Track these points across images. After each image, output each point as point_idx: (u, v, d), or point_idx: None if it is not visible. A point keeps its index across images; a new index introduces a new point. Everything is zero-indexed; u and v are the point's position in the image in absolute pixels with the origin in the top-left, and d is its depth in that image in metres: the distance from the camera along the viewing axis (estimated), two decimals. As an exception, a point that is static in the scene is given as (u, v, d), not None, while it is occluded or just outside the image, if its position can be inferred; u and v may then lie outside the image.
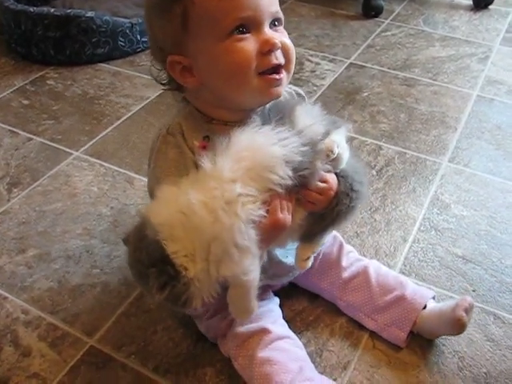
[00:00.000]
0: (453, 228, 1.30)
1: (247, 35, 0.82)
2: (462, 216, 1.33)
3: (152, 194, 0.91)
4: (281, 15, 0.87)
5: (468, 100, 1.76)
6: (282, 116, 0.85)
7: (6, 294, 1.14)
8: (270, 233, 0.82)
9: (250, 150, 0.80)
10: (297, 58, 1.91)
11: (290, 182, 0.81)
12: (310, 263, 0.96)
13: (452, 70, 1.91)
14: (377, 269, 1.11)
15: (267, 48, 0.82)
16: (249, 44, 0.82)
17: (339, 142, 0.86)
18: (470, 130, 1.62)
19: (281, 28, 0.87)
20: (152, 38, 0.90)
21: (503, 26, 2.22)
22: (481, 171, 1.47)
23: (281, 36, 0.85)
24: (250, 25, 0.82)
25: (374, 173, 1.45)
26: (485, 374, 1.02)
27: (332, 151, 0.84)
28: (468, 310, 0.98)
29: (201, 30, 0.83)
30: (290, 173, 0.80)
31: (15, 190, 1.40)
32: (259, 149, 0.80)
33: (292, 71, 0.89)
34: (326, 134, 0.86)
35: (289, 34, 1.98)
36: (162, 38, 0.87)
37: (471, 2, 2.38)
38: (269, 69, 0.84)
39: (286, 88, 0.99)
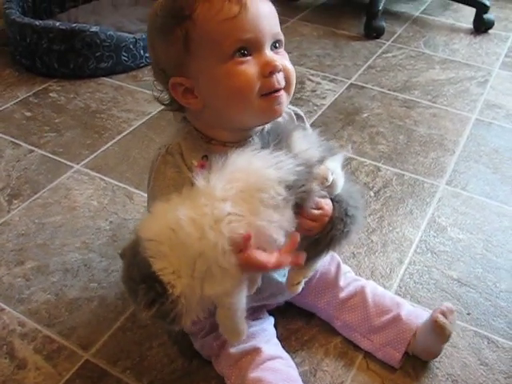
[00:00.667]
0: (449, 251, 1.31)
1: (248, 58, 0.83)
2: (458, 239, 1.34)
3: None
4: (281, 37, 0.88)
5: (466, 123, 1.78)
6: (279, 140, 0.86)
7: (3, 306, 1.14)
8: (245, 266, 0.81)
9: (245, 172, 0.81)
10: (298, 78, 1.93)
11: (283, 202, 0.81)
12: (300, 288, 0.96)
13: (451, 93, 1.93)
14: (373, 289, 1.11)
15: (268, 70, 0.84)
16: (250, 67, 0.83)
17: (334, 168, 0.87)
18: (467, 153, 1.64)
19: (282, 50, 0.89)
20: (154, 60, 0.91)
21: (503, 51, 2.25)
22: (478, 194, 1.48)
23: (281, 58, 0.87)
24: (251, 47, 0.84)
25: (372, 194, 1.46)
26: (477, 398, 1.03)
27: (326, 179, 0.85)
28: (446, 314, 1.00)
29: (202, 52, 0.84)
30: (284, 192, 0.80)
31: (15, 202, 1.41)
32: (254, 171, 0.81)
33: (292, 93, 0.90)
34: (322, 159, 0.86)
35: (290, 53, 2.02)
36: (164, 60, 0.88)
37: (472, 26, 2.41)
38: (272, 90, 0.85)
39: (285, 108, 1.01)
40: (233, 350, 0.97)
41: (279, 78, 0.85)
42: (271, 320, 1.07)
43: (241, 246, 0.77)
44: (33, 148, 1.60)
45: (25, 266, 1.23)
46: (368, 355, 1.07)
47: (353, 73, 2.03)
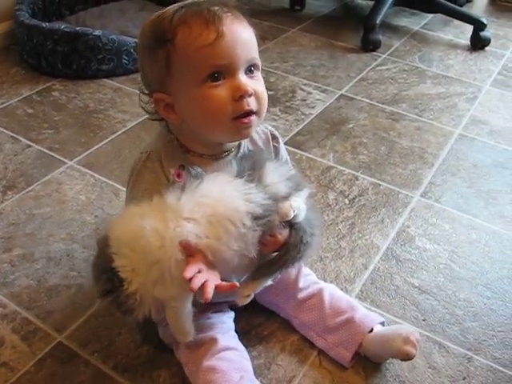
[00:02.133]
0: (414, 259, 1.37)
1: (221, 82, 0.90)
2: (425, 249, 1.40)
3: None
4: (257, 61, 0.95)
5: (449, 138, 1.83)
6: (253, 168, 0.94)
7: (-12, 289, 1.24)
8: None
9: (216, 199, 0.89)
10: (290, 86, 2.02)
11: (245, 231, 0.89)
12: (249, 299, 1.02)
13: (439, 108, 1.99)
14: (332, 292, 1.17)
15: (239, 94, 0.90)
16: (222, 91, 0.90)
17: (297, 205, 0.94)
18: (446, 167, 1.70)
19: (257, 75, 0.95)
20: (142, 73, 0.99)
21: (496, 68, 2.29)
22: (450, 207, 1.54)
23: (255, 83, 0.93)
24: (224, 72, 0.91)
25: (347, 201, 1.53)
26: (422, 399, 1.09)
27: (287, 215, 0.93)
28: (416, 346, 1.05)
29: (181, 74, 0.92)
30: (249, 223, 0.89)
31: (9, 193, 1.50)
32: (225, 201, 0.89)
33: (263, 116, 0.97)
34: (288, 195, 0.94)
35: (286, 62, 2.09)
36: (149, 76, 0.96)
37: (469, 42, 2.46)
38: (244, 112, 0.92)
39: (262, 128, 1.09)
40: (191, 340, 1.04)
41: (250, 101, 0.92)
42: (231, 314, 1.14)
43: (190, 253, 0.86)
44: (31, 143, 1.69)
45: (12, 253, 1.32)
46: (322, 353, 1.13)
47: (344, 84, 2.10)
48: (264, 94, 0.95)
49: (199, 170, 0.99)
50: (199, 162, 1.01)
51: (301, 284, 1.18)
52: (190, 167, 0.99)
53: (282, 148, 1.12)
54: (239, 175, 0.93)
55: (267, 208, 0.91)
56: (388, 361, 1.13)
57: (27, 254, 1.32)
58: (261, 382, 1.05)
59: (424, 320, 1.22)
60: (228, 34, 0.89)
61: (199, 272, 0.84)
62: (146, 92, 1.00)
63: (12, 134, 1.73)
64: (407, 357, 1.05)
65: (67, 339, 1.14)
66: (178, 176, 0.98)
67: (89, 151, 1.67)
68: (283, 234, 0.96)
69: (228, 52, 0.90)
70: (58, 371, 1.08)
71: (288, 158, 1.14)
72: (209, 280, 0.84)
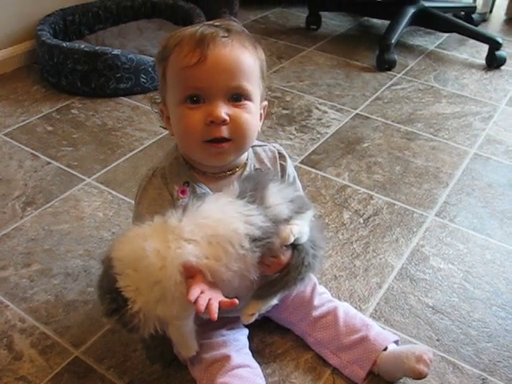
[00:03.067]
0: (428, 279, 1.37)
1: (198, 105, 0.93)
2: (439, 268, 1.40)
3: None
4: (244, 90, 0.95)
5: (464, 157, 1.84)
6: (256, 188, 0.95)
7: (8, 303, 1.25)
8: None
9: (216, 221, 0.90)
10: (305, 106, 2.04)
11: (244, 253, 0.90)
12: (253, 318, 1.03)
13: (454, 127, 1.99)
14: (346, 310, 1.18)
15: (209, 120, 0.93)
16: (197, 114, 0.93)
17: (298, 230, 0.95)
18: (461, 187, 1.70)
19: (245, 103, 0.96)
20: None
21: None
22: (465, 227, 1.54)
23: (237, 112, 0.94)
24: (203, 95, 0.93)
25: (361, 221, 1.54)
26: (436, 420, 1.08)
27: (287, 240, 0.94)
28: (429, 365, 1.06)
29: (169, 90, 0.97)
30: (248, 245, 0.90)
31: (29, 209, 1.53)
32: (225, 222, 0.90)
33: (244, 145, 0.99)
34: (289, 218, 0.95)
35: (302, 81, 2.11)
36: (159, 87, 1.02)
37: (484, 62, 2.47)
38: (213, 138, 0.94)
39: (270, 146, 1.11)
40: (205, 356, 1.05)
41: (223, 128, 0.93)
42: (245, 331, 1.15)
43: (190, 274, 0.88)
44: (50, 160, 1.72)
45: (31, 268, 1.34)
46: (335, 372, 1.14)
47: (360, 103, 2.12)
48: (246, 123, 0.95)
49: (204, 187, 1.02)
50: (204, 179, 1.03)
51: (315, 302, 1.18)
52: (194, 184, 1.02)
53: (290, 167, 1.13)
54: (241, 196, 0.94)
55: (266, 230, 0.92)
56: (402, 380, 1.12)
57: (46, 269, 1.34)
58: (274, 399, 1.06)
59: (438, 340, 1.22)
60: (211, 58, 0.91)
61: (202, 292, 0.86)
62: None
63: (32, 151, 1.76)
64: (420, 375, 1.05)
65: (84, 354, 1.15)
66: (183, 192, 1.01)
67: (107, 168, 1.70)
68: (286, 255, 0.97)
69: (207, 76, 0.92)
70: (75, 386, 1.10)
71: (296, 175, 1.16)
72: (212, 298, 0.86)
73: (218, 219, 0.91)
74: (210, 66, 0.91)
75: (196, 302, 0.84)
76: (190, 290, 0.85)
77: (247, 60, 0.95)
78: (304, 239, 0.98)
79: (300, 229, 0.96)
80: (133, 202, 1.52)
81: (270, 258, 0.95)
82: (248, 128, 0.96)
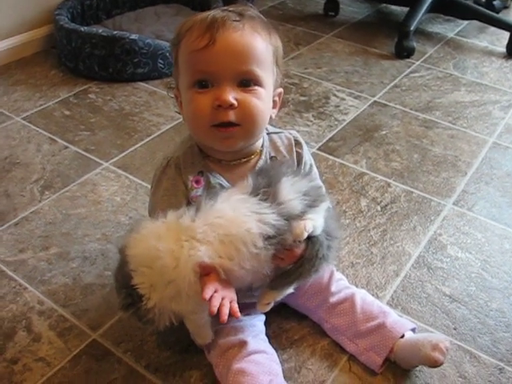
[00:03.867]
0: (445, 268, 1.36)
1: (207, 89, 0.93)
2: (457, 257, 1.40)
3: (150, 215, 1.05)
4: (253, 76, 0.94)
5: (483, 146, 1.82)
6: (269, 185, 0.94)
7: (27, 285, 1.27)
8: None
9: (229, 220, 0.91)
10: (323, 92, 2.02)
11: (257, 251, 0.91)
12: (269, 307, 1.05)
13: (473, 116, 1.97)
14: (363, 297, 1.18)
15: (216, 104, 0.92)
16: (206, 98, 0.93)
17: (312, 224, 0.95)
18: (479, 175, 1.68)
19: (254, 89, 0.95)
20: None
21: (532, 76, 2.27)
22: (483, 216, 1.53)
23: (246, 96, 0.94)
24: (211, 80, 0.93)
25: (379, 208, 1.53)
26: (451, 408, 1.08)
27: (300, 237, 0.94)
28: (445, 354, 1.05)
29: (181, 74, 0.97)
30: (261, 244, 0.90)
31: (47, 193, 1.54)
32: (237, 222, 0.90)
33: (252, 131, 0.98)
34: (303, 213, 0.94)
35: (319, 68, 2.09)
36: (173, 72, 1.03)
37: (505, 50, 2.44)
38: (221, 122, 0.94)
39: (286, 133, 1.10)
40: (221, 342, 1.05)
41: (230, 113, 0.93)
42: (261, 317, 1.15)
43: (205, 271, 0.89)
44: (68, 144, 1.73)
45: (49, 252, 1.35)
46: (352, 359, 1.14)
47: (378, 91, 2.10)
48: (255, 109, 0.95)
49: (218, 176, 1.02)
50: (218, 168, 1.03)
51: (333, 288, 1.18)
52: (209, 174, 1.01)
53: (306, 154, 1.12)
54: (254, 192, 0.94)
55: (280, 228, 0.92)
56: (418, 368, 1.13)
57: (63, 252, 1.35)
58: (291, 385, 1.06)
59: (455, 329, 1.22)
60: (220, 42, 0.91)
61: (216, 292, 0.87)
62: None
63: (50, 135, 1.77)
64: (435, 363, 1.05)
65: (101, 337, 1.16)
66: (197, 182, 1.01)
67: (124, 153, 1.70)
68: (300, 247, 0.97)
69: (215, 60, 0.91)
70: (93, 368, 1.10)
71: (312, 163, 1.15)
72: (225, 298, 0.87)
73: (231, 218, 0.91)
74: (218, 50, 0.91)
75: (210, 301, 0.86)
76: (204, 289, 0.87)
77: (259, 45, 0.94)
78: (318, 231, 0.97)
79: (314, 223, 0.95)
80: (150, 187, 1.55)
81: (284, 251, 0.95)
82: (257, 114, 0.96)
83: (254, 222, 0.90)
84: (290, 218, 0.93)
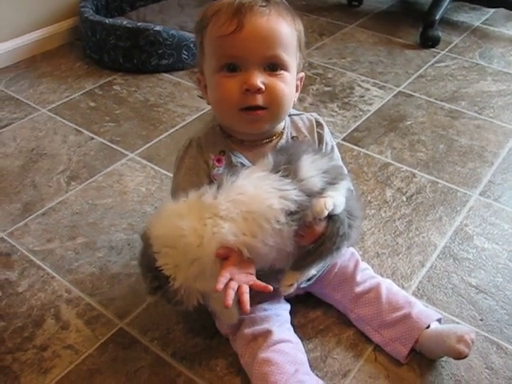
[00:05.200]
0: (471, 259, 1.35)
1: (235, 73, 0.94)
2: (483, 248, 1.38)
3: (172, 196, 1.06)
4: (280, 60, 0.96)
5: (510, 136, 1.79)
6: (289, 162, 0.95)
7: (54, 274, 1.28)
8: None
9: (251, 197, 0.91)
10: (348, 83, 2.01)
11: (280, 227, 0.91)
12: (292, 289, 1.04)
13: (499, 105, 1.94)
14: (389, 287, 1.17)
15: (245, 88, 0.93)
16: (234, 82, 0.94)
17: (332, 202, 0.94)
18: (506, 166, 1.66)
19: (280, 73, 0.96)
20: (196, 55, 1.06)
21: (560, 65, 2.23)
22: (510, 207, 1.51)
23: (273, 81, 0.95)
24: (239, 64, 0.94)
25: (404, 199, 1.52)
26: (478, 399, 1.07)
27: (320, 214, 0.93)
28: (470, 346, 1.05)
29: (207, 59, 0.97)
30: (284, 219, 0.90)
31: (73, 183, 1.55)
32: (259, 198, 0.91)
33: (279, 114, 0.99)
34: (323, 190, 0.95)
35: (343, 58, 2.08)
36: (196, 57, 1.03)
37: (532, 38, 2.40)
38: (249, 106, 0.95)
39: (307, 115, 1.11)
40: (247, 331, 1.06)
41: (258, 97, 0.94)
42: (287, 306, 1.15)
43: (224, 254, 0.90)
44: (93, 136, 1.75)
45: (76, 241, 1.37)
46: (377, 349, 1.14)
47: (403, 81, 2.08)
48: (281, 92, 0.96)
49: (239, 155, 1.02)
50: (240, 148, 1.04)
51: (358, 278, 1.18)
52: (230, 153, 1.02)
53: (328, 135, 1.13)
54: (275, 169, 0.94)
55: (301, 204, 0.92)
56: (444, 359, 1.12)
57: (90, 242, 1.37)
58: (316, 374, 1.06)
59: (481, 320, 1.21)
60: (248, 27, 0.92)
61: (231, 279, 0.88)
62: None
63: (75, 127, 1.79)
64: (459, 355, 1.05)
65: (128, 326, 1.17)
66: (218, 161, 1.02)
67: (149, 144, 1.71)
68: (320, 225, 0.97)
69: (243, 45, 0.92)
70: (120, 356, 1.12)
71: (334, 145, 1.15)
72: (242, 286, 0.88)
73: (253, 195, 0.91)
74: (246, 35, 0.92)
75: (224, 293, 0.86)
76: (218, 279, 0.87)
77: (284, 30, 0.95)
78: (339, 210, 0.97)
79: (334, 201, 0.95)
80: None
81: (305, 229, 0.95)
82: (283, 97, 0.97)
83: (276, 198, 0.90)
84: (310, 194, 0.93)
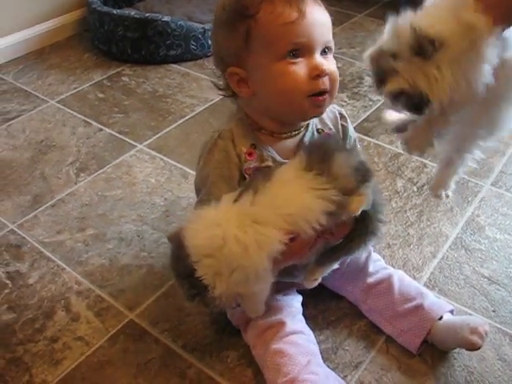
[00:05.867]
0: (483, 249, 1.34)
1: (299, 59, 0.92)
2: (495, 239, 1.37)
3: (198, 190, 1.04)
4: (332, 44, 0.96)
5: (522, 126, 1.77)
6: (323, 160, 0.93)
7: (64, 266, 1.28)
8: (287, 260, 0.94)
9: (289, 200, 0.90)
10: (357, 73, 1.99)
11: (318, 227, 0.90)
12: (316, 283, 1.05)
13: (511, 95, 1.92)
14: (400, 278, 1.17)
15: (316, 73, 0.92)
16: (300, 68, 0.92)
17: (366, 199, 0.94)
18: (518, 156, 1.65)
19: (330, 56, 0.97)
20: (216, 49, 1.02)
21: None
22: (522, 197, 1.50)
23: (329, 64, 0.95)
24: (302, 50, 0.92)
25: (415, 189, 1.51)
26: (490, 391, 1.07)
27: (355, 212, 0.93)
28: (484, 338, 1.04)
29: (260, 49, 0.93)
30: (324, 221, 0.89)
31: (82, 175, 1.55)
32: (298, 200, 0.90)
33: (334, 96, 0.98)
34: (356, 187, 0.94)
35: (353, 48, 2.06)
36: (224, 51, 0.98)
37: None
38: (320, 91, 0.94)
39: (330, 108, 1.09)
40: (259, 322, 1.05)
41: (325, 81, 0.94)
42: (299, 298, 1.15)
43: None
44: (102, 127, 1.74)
45: (85, 233, 1.37)
46: (389, 340, 1.13)
47: (411, 70, 2.05)
48: (337, 74, 0.96)
49: (269, 148, 1.01)
50: (269, 141, 1.02)
51: (370, 269, 1.18)
52: (261, 146, 1.00)
53: (351, 127, 1.12)
54: (308, 168, 0.92)
55: (339, 203, 0.90)
56: (456, 350, 1.11)
57: (100, 234, 1.37)
58: (328, 366, 1.05)
59: (494, 311, 1.20)
60: (308, 14, 0.91)
61: None
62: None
63: (84, 118, 1.78)
64: (473, 347, 1.05)
65: (138, 317, 1.17)
66: (250, 155, 1.00)
67: (158, 135, 1.71)
68: (349, 222, 0.97)
69: (308, 31, 0.91)
70: (130, 347, 1.11)
71: (356, 137, 1.14)
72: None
73: (291, 198, 0.90)
74: (308, 22, 0.91)
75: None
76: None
77: (328, 17, 0.96)
78: (368, 206, 0.96)
79: (367, 198, 0.95)
80: (185, 168, 1.56)
81: (335, 227, 0.95)
82: (338, 79, 0.98)
83: (314, 198, 0.89)
84: (345, 193, 0.92)
